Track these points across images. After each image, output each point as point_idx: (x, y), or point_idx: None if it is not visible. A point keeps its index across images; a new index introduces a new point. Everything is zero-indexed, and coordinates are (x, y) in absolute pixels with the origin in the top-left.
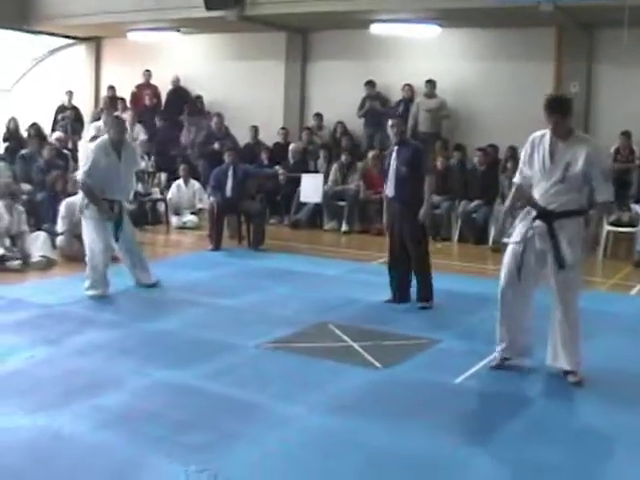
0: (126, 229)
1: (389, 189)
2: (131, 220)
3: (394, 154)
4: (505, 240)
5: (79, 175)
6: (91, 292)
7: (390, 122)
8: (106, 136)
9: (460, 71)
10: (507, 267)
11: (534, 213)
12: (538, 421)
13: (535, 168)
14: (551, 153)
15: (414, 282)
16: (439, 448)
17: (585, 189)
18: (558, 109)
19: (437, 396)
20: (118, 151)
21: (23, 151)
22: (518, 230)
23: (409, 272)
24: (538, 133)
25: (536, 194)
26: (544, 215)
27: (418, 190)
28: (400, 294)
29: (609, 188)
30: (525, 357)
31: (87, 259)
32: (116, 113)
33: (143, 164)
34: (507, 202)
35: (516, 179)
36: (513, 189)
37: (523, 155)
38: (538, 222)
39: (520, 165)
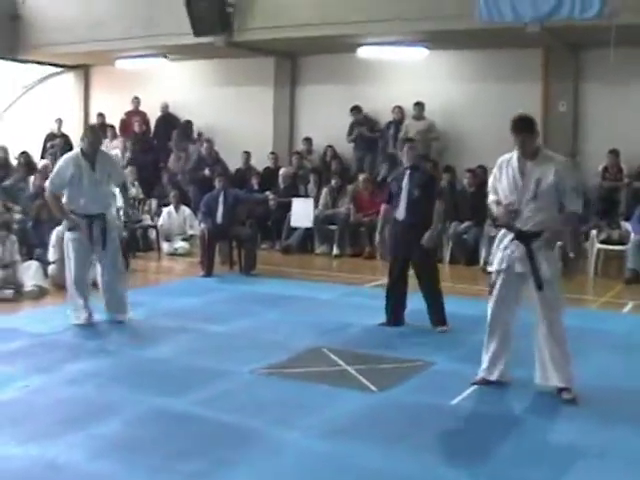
0: (109, 248)
1: (399, 212)
2: (120, 244)
3: (406, 178)
4: (489, 268)
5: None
6: (74, 320)
7: (407, 146)
8: (78, 148)
9: (448, 93)
10: (492, 295)
11: (510, 236)
12: (533, 441)
13: (506, 190)
14: (520, 171)
15: (419, 306)
16: (434, 471)
17: (557, 207)
18: (524, 128)
19: (433, 418)
20: (92, 162)
21: (7, 181)
22: (498, 257)
23: (406, 295)
24: (505, 156)
25: None
26: (520, 237)
27: (430, 214)
28: (396, 317)
29: (578, 200)
30: (505, 380)
31: (67, 284)
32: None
33: (132, 185)
34: (487, 229)
35: (492, 197)
36: (494, 206)
37: (492, 181)
38: (515, 245)
39: (490, 187)
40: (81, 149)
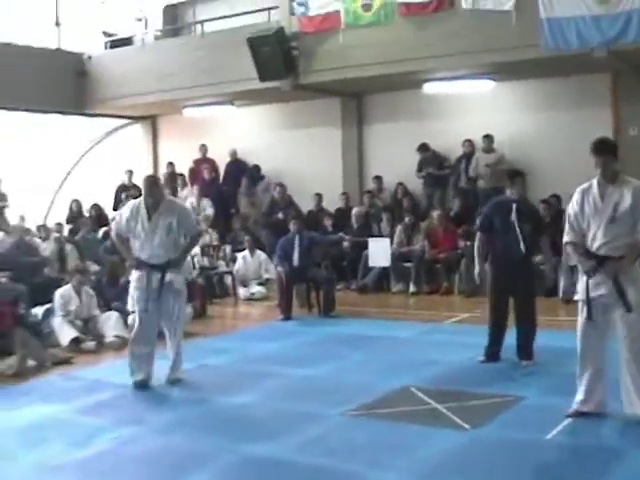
0: (166, 304)
1: (513, 246)
2: (179, 295)
3: (514, 212)
4: (575, 297)
5: None
6: (131, 377)
7: (514, 180)
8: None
9: (517, 123)
10: (579, 326)
11: (590, 263)
12: (636, 473)
13: (587, 214)
14: (600, 195)
15: (510, 340)
16: None
17: (634, 233)
18: (606, 150)
19: (530, 454)
20: (149, 211)
21: (80, 234)
22: (581, 285)
23: (505, 330)
24: (583, 185)
25: (589, 243)
26: (601, 262)
27: (535, 247)
28: (496, 353)
29: None
30: (601, 411)
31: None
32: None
33: (206, 232)
34: (579, 262)
35: (567, 237)
36: (568, 247)
37: (571, 209)
38: (598, 273)
39: (567, 223)
40: (143, 199)
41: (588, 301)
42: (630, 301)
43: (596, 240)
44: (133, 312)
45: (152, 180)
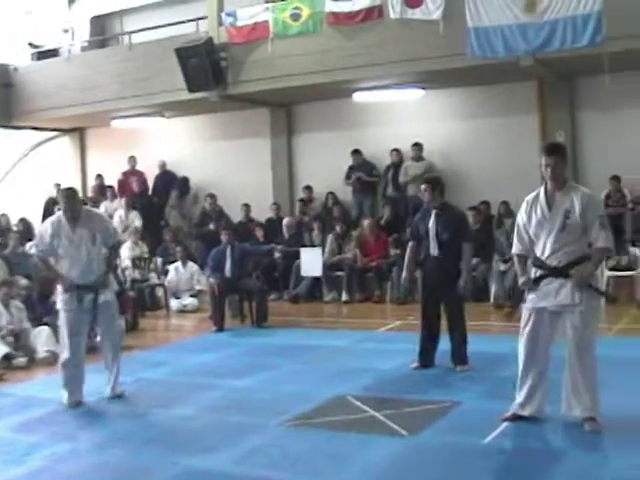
0: (103, 323)
1: (433, 248)
2: (115, 311)
3: (432, 218)
4: (524, 306)
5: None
6: (63, 399)
7: (424, 186)
8: (61, 212)
9: (446, 131)
10: (526, 334)
11: (539, 273)
12: (571, 476)
13: (534, 223)
14: (548, 204)
15: (441, 348)
16: None
17: (584, 239)
18: (556, 151)
19: (468, 459)
20: (72, 224)
21: (8, 248)
22: (530, 295)
23: (438, 337)
24: (530, 195)
25: (539, 252)
26: (552, 272)
27: (459, 254)
28: (429, 359)
29: (607, 235)
30: (538, 416)
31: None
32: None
33: (135, 244)
34: (519, 276)
35: (515, 249)
36: (516, 260)
37: (519, 219)
38: (549, 281)
39: (515, 234)
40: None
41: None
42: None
43: (546, 249)
44: None
45: (69, 193)
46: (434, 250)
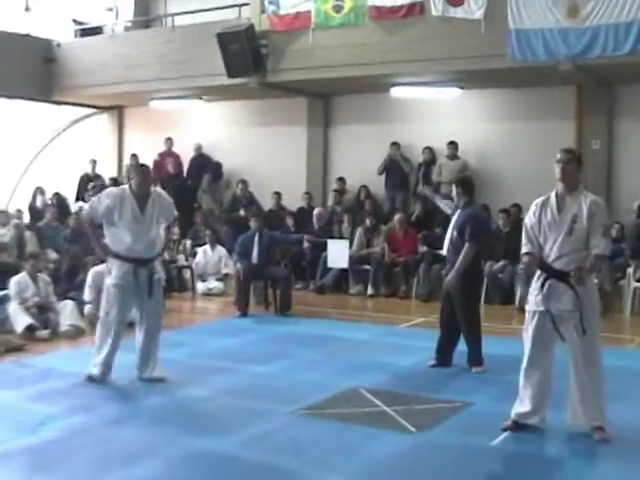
0: (154, 301)
1: (445, 248)
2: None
3: (455, 217)
4: (527, 308)
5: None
6: (91, 370)
7: (453, 187)
8: (126, 185)
9: (481, 132)
10: (527, 336)
11: (545, 276)
12: None
13: (544, 226)
14: (558, 207)
15: (459, 349)
16: None
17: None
18: (570, 152)
19: (474, 460)
20: (141, 203)
21: (44, 220)
22: (533, 297)
23: (457, 335)
24: (541, 198)
25: (545, 255)
26: (558, 277)
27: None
28: (446, 358)
29: (606, 242)
30: (542, 426)
31: (97, 334)
32: (141, 162)
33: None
34: (521, 269)
35: (524, 249)
36: (524, 257)
37: (528, 221)
38: (552, 285)
39: (524, 235)
40: (131, 189)
41: (540, 312)
42: (585, 319)
43: (552, 252)
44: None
45: (145, 169)
46: (447, 250)
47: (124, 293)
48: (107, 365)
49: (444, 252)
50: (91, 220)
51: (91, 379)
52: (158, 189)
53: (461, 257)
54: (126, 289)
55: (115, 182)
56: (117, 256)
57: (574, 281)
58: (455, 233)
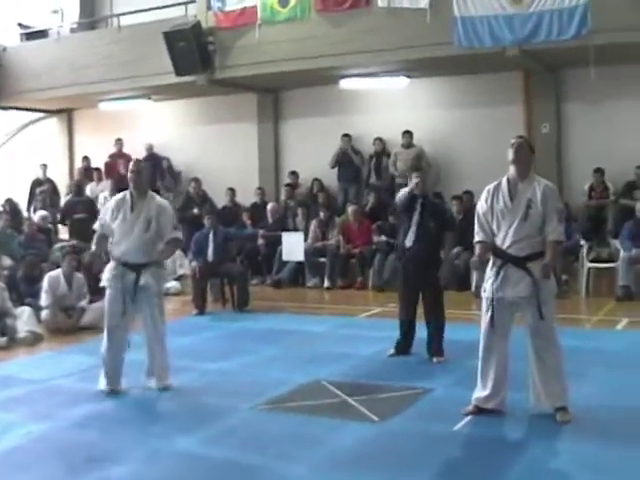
0: (144, 308)
1: (409, 239)
2: (157, 300)
3: (418, 208)
4: (482, 295)
5: None
6: (100, 385)
7: (415, 175)
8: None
9: (431, 120)
10: (484, 322)
11: (499, 262)
12: (539, 463)
13: (496, 213)
14: (510, 193)
15: (418, 336)
16: None
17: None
18: (522, 137)
19: (438, 446)
20: (134, 204)
21: None
22: (489, 283)
23: (415, 325)
24: (492, 184)
25: (499, 242)
26: (512, 262)
27: (440, 242)
28: (406, 347)
29: (560, 228)
30: (502, 409)
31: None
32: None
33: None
34: (474, 257)
35: (477, 237)
36: (477, 247)
37: (480, 208)
38: (508, 271)
39: (476, 223)
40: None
41: (495, 300)
42: (543, 303)
43: (507, 239)
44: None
45: (138, 168)
46: (415, 239)
47: (114, 297)
48: (109, 374)
49: (409, 243)
50: (100, 232)
51: (103, 392)
52: (161, 200)
53: (450, 246)
54: (112, 291)
55: (79, 189)
56: (113, 259)
57: (540, 276)
58: (432, 224)
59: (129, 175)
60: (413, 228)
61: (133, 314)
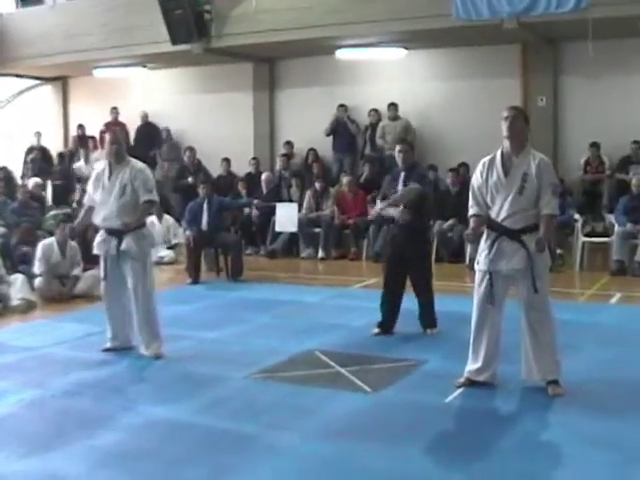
0: (126, 271)
1: (395, 211)
2: (141, 266)
3: (401, 179)
4: (476, 267)
5: None
6: (106, 344)
7: (398, 148)
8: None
9: (428, 92)
10: (477, 295)
11: (494, 235)
12: (529, 435)
13: (490, 186)
14: (505, 168)
15: (409, 306)
16: (436, 468)
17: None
18: (517, 109)
19: (429, 417)
20: (111, 171)
21: None
22: (483, 256)
23: (401, 299)
24: (486, 158)
25: (494, 215)
26: (507, 234)
27: (424, 214)
28: (390, 325)
29: (554, 202)
30: (488, 381)
31: None
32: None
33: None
34: (468, 230)
35: (471, 211)
36: (471, 220)
37: (474, 181)
38: (502, 244)
39: (471, 196)
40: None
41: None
42: (537, 277)
43: (502, 212)
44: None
45: (116, 138)
46: (401, 212)
47: (102, 260)
48: (112, 334)
49: (400, 214)
50: (87, 204)
51: (106, 349)
52: (139, 162)
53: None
54: (102, 257)
55: (62, 157)
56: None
57: (535, 250)
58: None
59: (107, 145)
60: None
61: (123, 279)
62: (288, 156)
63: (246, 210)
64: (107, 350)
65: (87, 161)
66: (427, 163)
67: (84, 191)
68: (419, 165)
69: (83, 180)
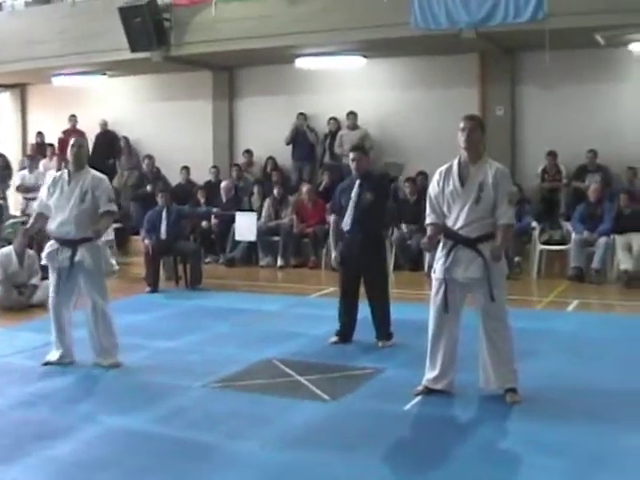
0: (82, 285)
1: (346, 223)
2: (95, 277)
3: (356, 187)
4: (433, 276)
5: None
6: (47, 356)
7: (351, 155)
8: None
9: (387, 100)
10: (434, 303)
11: (450, 243)
12: (488, 442)
13: (447, 195)
14: (461, 177)
15: (369, 317)
16: (396, 475)
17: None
18: (475, 119)
19: (388, 424)
20: (70, 179)
21: None
22: (440, 264)
23: (357, 308)
24: (443, 167)
25: (450, 223)
26: (463, 243)
27: (380, 221)
28: (348, 334)
29: (511, 212)
30: (451, 390)
31: None
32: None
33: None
34: (425, 239)
35: (428, 219)
36: (428, 228)
37: (431, 190)
38: (458, 252)
39: (428, 205)
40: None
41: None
42: (494, 285)
43: (458, 221)
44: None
45: (78, 144)
46: (354, 221)
47: (50, 275)
48: (60, 347)
49: (346, 226)
50: (38, 211)
51: (47, 363)
52: (97, 173)
53: (389, 223)
54: (52, 271)
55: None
56: (50, 235)
57: (490, 259)
58: (369, 196)
59: (69, 151)
60: (350, 212)
61: (74, 291)
62: (242, 166)
63: (204, 223)
64: (47, 364)
65: (31, 171)
66: (384, 171)
67: (26, 200)
68: (374, 173)
69: (23, 189)
